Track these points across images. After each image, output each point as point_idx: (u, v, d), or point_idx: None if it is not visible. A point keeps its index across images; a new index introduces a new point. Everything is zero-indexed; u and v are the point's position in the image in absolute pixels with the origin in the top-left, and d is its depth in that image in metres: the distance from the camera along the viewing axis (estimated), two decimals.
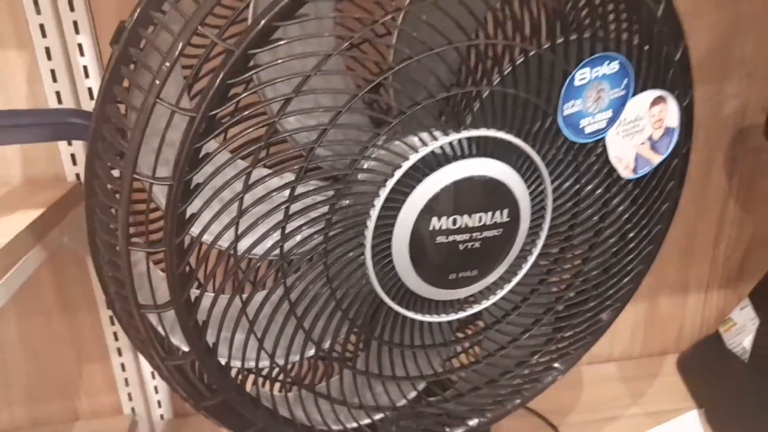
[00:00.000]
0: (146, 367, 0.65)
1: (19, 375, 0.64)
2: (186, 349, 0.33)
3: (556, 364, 0.47)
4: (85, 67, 0.54)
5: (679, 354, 0.74)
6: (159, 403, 0.67)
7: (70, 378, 0.66)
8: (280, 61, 0.29)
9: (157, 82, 0.27)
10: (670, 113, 0.39)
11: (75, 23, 0.52)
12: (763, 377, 0.63)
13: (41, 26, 0.52)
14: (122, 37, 0.30)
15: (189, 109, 0.27)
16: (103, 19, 0.54)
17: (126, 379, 0.65)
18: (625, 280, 0.45)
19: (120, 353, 0.63)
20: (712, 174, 0.68)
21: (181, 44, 0.27)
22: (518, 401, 0.48)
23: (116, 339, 0.63)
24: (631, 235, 0.43)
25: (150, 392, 0.66)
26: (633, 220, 0.43)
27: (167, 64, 0.27)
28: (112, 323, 0.62)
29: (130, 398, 0.65)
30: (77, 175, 0.58)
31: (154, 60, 0.28)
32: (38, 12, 0.52)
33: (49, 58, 0.53)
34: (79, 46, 0.53)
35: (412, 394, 0.44)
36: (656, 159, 0.40)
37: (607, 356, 0.75)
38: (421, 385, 0.45)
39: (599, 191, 0.41)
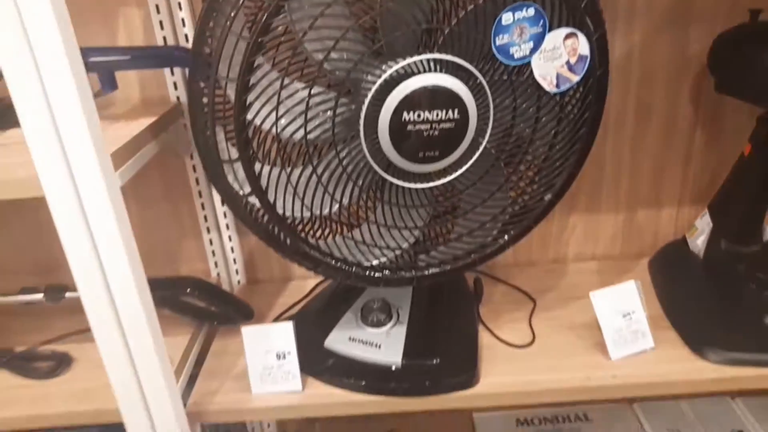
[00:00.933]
0: (227, 243, 0.88)
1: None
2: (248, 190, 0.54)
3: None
4: (182, 19, 0.76)
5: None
6: (236, 271, 0.90)
7: (173, 250, 0.90)
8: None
9: (228, 23, 0.47)
10: (582, 45, 0.55)
11: (179, 3, 0.74)
12: (711, 268, 0.77)
13: (156, 7, 0.74)
14: None
15: (246, 36, 0.47)
16: None
17: (213, 251, 0.89)
18: (562, 164, 0.61)
19: (209, 231, 0.87)
20: (680, 106, 0.81)
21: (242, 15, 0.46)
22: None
23: (206, 220, 0.86)
24: (562, 135, 0.59)
25: (230, 262, 0.90)
26: (562, 124, 0.59)
27: (233, 12, 0.46)
28: (203, 208, 0.85)
29: (216, 266, 0.89)
30: (177, 98, 0.80)
31: (227, 8, 0.48)
32: None
33: (158, 12, 0.75)
34: (179, 4, 0.75)
35: (411, 240, 0.64)
36: (574, 78, 0.56)
37: (591, 255, 0.91)
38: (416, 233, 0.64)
39: (533, 100, 0.57)
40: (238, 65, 0.48)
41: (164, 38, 0.76)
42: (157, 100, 0.81)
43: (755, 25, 0.70)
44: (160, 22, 0.75)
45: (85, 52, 0.56)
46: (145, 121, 0.68)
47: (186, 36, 0.76)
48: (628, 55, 0.79)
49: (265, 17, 0.46)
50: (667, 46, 0.78)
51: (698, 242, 0.80)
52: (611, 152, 0.84)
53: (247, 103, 0.50)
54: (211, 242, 0.88)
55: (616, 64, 0.79)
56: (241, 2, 0.47)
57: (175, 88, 0.79)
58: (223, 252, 0.89)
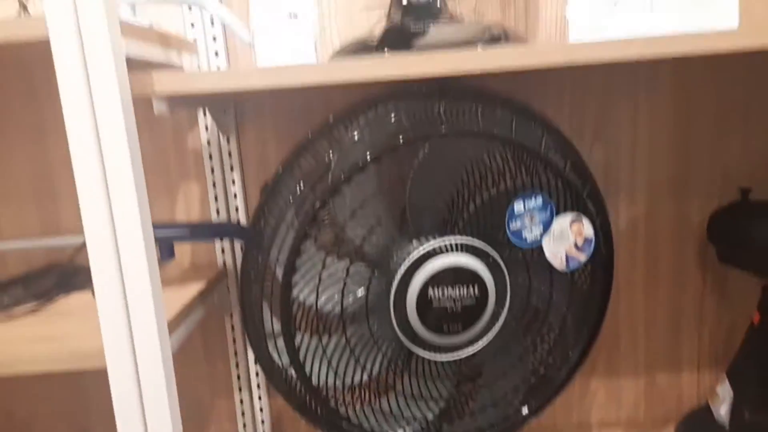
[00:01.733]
0: (257, 403, 0.91)
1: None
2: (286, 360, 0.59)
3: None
4: (234, 194, 0.86)
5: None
6: None
7: (204, 408, 0.93)
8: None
9: (280, 215, 0.55)
10: (586, 228, 0.62)
11: (233, 180, 0.85)
12: None
13: (213, 183, 0.85)
14: (265, 191, 0.59)
15: (295, 225, 0.55)
16: (251, 177, 0.86)
17: (243, 412, 0.91)
18: (575, 338, 0.65)
19: (240, 390, 0.90)
20: (687, 271, 0.87)
21: (292, 209, 0.55)
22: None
23: (239, 379, 0.90)
24: (572, 310, 0.64)
25: (258, 423, 0.92)
26: (573, 299, 0.64)
27: (285, 216, 0.55)
28: (237, 367, 0.90)
29: (244, 427, 0.91)
30: (224, 262, 0.88)
31: (280, 204, 0.57)
32: (212, 171, 0.85)
33: (213, 187, 0.86)
34: (233, 180, 0.86)
35: (436, 411, 0.66)
36: (582, 257, 0.63)
37: (615, 420, 0.91)
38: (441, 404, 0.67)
39: (545, 277, 0.63)
40: (287, 249, 0.56)
41: (217, 210, 0.86)
42: (205, 264, 0.89)
43: (746, 203, 0.77)
44: (215, 196, 0.86)
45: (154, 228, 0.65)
46: (196, 287, 0.75)
47: (237, 208, 0.86)
48: (633, 222, 0.86)
49: (313, 212, 0.55)
50: (669, 215, 0.86)
51: (722, 412, 0.80)
52: (625, 315, 0.88)
53: (293, 282, 0.57)
54: (241, 402, 0.91)
55: (622, 230, 0.86)
56: (293, 198, 0.56)
57: (222, 252, 0.88)
58: (252, 413, 0.91)
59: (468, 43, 0.57)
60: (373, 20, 0.79)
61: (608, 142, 0.83)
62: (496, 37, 0.57)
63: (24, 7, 0.63)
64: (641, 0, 0.57)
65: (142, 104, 0.55)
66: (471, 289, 0.60)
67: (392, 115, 0.59)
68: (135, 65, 0.55)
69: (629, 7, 0.57)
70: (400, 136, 0.56)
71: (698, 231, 0.86)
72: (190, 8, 0.76)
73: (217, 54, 0.81)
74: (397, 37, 0.58)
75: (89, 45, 0.49)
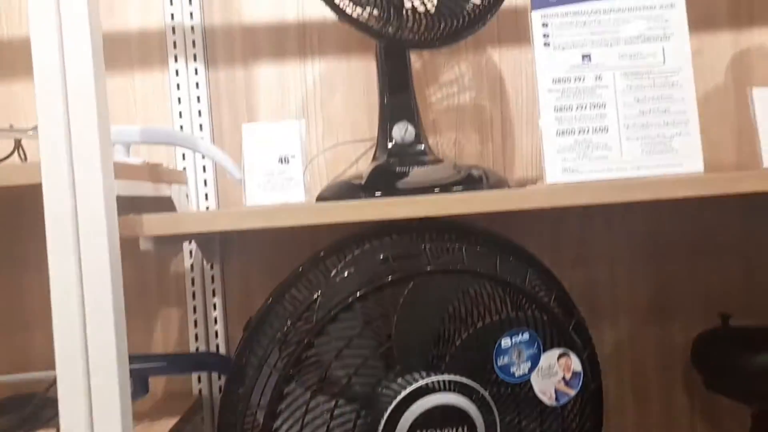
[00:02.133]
0: None
1: None
2: None
3: None
4: (215, 318, 0.85)
5: None
6: None
7: None
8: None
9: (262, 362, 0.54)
10: (574, 362, 0.62)
11: (214, 305, 0.84)
12: None
13: (194, 307, 0.84)
14: (248, 327, 0.59)
15: (279, 368, 0.54)
16: (233, 302, 0.85)
17: None
18: None
19: None
20: (675, 396, 0.86)
21: (276, 349, 0.54)
22: None
23: None
24: None
25: None
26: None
27: (268, 356, 0.54)
28: None
29: None
30: (200, 390, 0.85)
31: (264, 343, 0.56)
32: (193, 296, 0.84)
33: (194, 312, 0.84)
34: (214, 305, 0.84)
35: None
36: (571, 392, 0.62)
37: None
38: None
39: (535, 414, 0.62)
40: (269, 393, 0.54)
41: (196, 335, 0.84)
42: (179, 392, 0.85)
43: (727, 329, 0.78)
44: (195, 321, 0.84)
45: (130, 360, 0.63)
46: (169, 422, 0.72)
47: (216, 333, 0.84)
48: (617, 346, 0.86)
49: (297, 353, 0.54)
50: (652, 338, 0.86)
51: None
52: None
53: (274, 427, 0.55)
54: None
55: (607, 354, 0.85)
56: (277, 337, 0.55)
57: (198, 380, 0.85)
58: None
59: (450, 184, 0.59)
60: (359, 152, 0.82)
61: (588, 265, 0.85)
62: (477, 179, 0.60)
63: (19, 145, 0.65)
64: (612, 145, 0.61)
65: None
66: (460, 429, 0.58)
67: (378, 251, 0.60)
68: (123, 201, 0.56)
69: (601, 152, 0.60)
70: (387, 275, 0.56)
71: (683, 355, 0.86)
72: (183, 156, 0.78)
73: (206, 183, 0.83)
74: (383, 178, 0.61)
75: (82, 195, 0.50)
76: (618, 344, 0.86)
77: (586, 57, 0.61)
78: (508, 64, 0.83)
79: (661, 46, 0.61)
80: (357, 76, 0.82)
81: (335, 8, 0.60)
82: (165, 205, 0.76)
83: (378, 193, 0.57)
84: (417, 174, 0.60)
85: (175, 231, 0.55)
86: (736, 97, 0.84)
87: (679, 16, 0.62)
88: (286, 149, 0.56)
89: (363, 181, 0.59)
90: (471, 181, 0.59)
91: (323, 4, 0.60)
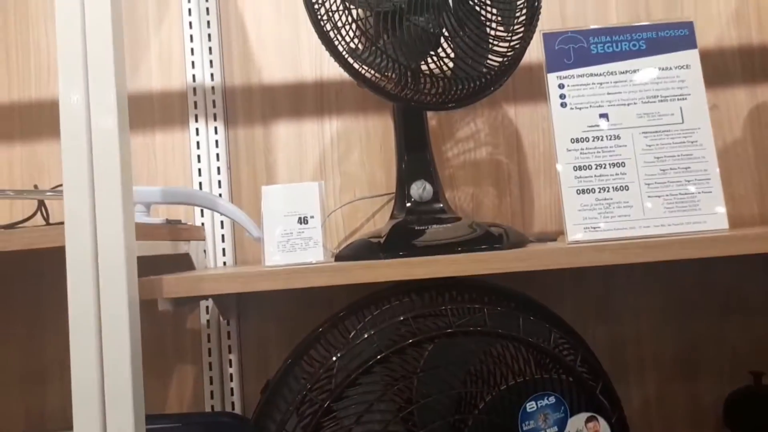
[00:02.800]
0: None
1: None
2: None
3: None
4: (231, 389, 0.83)
5: None
6: None
7: None
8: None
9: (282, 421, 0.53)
10: (603, 426, 0.60)
11: (230, 361, 0.83)
12: None
13: (209, 364, 0.83)
14: (267, 390, 0.57)
15: None
16: (249, 360, 0.84)
17: None
18: None
19: None
20: None
21: (295, 415, 0.53)
22: None
23: None
24: None
25: None
26: None
27: (287, 422, 0.53)
28: None
29: None
30: None
31: (282, 408, 0.55)
32: (209, 353, 0.83)
33: (210, 369, 0.83)
34: (230, 361, 0.83)
35: None
36: None
37: None
38: None
39: None
40: None
41: (212, 393, 0.83)
42: None
43: (760, 388, 0.75)
44: (210, 378, 0.83)
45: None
46: None
47: (232, 390, 0.83)
48: (645, 405, 0.83)
49: (316, 419, 0.53)
50: (681, 397, 0.83)
51: None
52: None
53: None
54: None
55: (636, 413, 0.82)
56: (298, 400, 0.54)
57: None
58: None
59: (470, 242, 0.59)
60: (376, 207, 0.83)
61: (611, 321, 0.83)
62: (497, 237, 0.59)
63: (43, 205, 0.66)
64: (633, 202, 0.60)
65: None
66: None
67: (397, 311, 0.59)
68: (143, 260, 0.56)
69: (622, 210, 0.60)
70: (407, 337, 0.55)
71: (712, 413, 0.83)
72: (202, 212, 0.79)
73: (223, 238, 0.83)
74: (402, 237, 0.60)
75: (103, 258, 0.51)
76: (646, 403, 0.83)
77: (604, 116, 0.61)
78: (523, 119, 0.84)
79: (679, 105, 0.62)
80: (373, 133, 0.84)
81: (354, 73, 0.61)
82: (183, 261, 0.76)
83: (399, 252, 0.56)
84: (436, 233, 0.60)
85: (195, 293, 0.54)
86: (755, 150, 0.83)
87: (695, 76, 0.62)
88: (304, 209, 0.57)
89: (382, 240, 0.59)
90: (490, 240, 0.58)
91: (341, 68, 0.61)
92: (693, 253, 0.55)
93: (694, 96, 0.62)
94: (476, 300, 0.61)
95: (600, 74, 0.61)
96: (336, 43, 0.59)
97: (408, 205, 0.64)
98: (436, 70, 0.65)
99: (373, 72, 0.64)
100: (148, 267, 0.58)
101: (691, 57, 0.62)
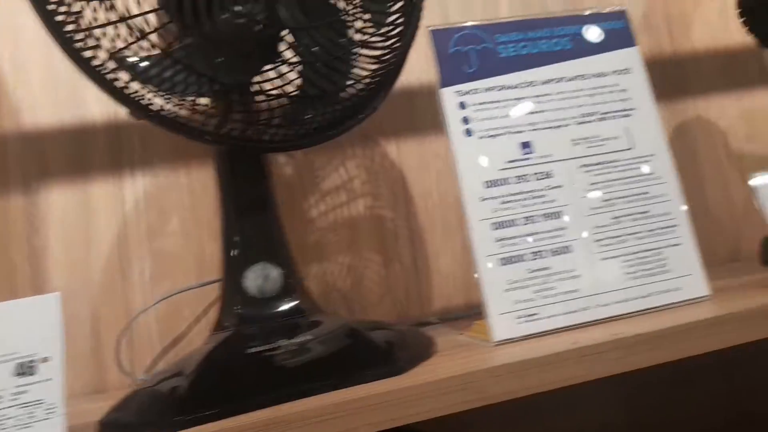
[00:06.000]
0: None
1: None
2: None
3: None
4: None
5: None
6: None
7: None
8: None
9: None
10: None
11: None
12: None
13: None
14: None
15: None
16: None
17: None
18: None
19: None
20: None
21: None
22: None
23: None
24: None
25: None
26: None
27: None
28: None
29: None
30: None
31: None
32: None
33: None
34: None
35: None
36: None
37: None
38: None
39: None
40: None
41: None
42: None
43: None
44: None
45: None
46: None
47: None
48: None
49: None
50: None
51: None
52: None
53: None
54: None
55: None
56: None
57: None
58: None
59: (341, 370, 0.35)
60: (209, 298, 0.57)
61: None
62: (383, 352, 0.36)
63: None
64: (582, 271, 0.40)
65: None
66: None
67: None
68: None
69: (567, 284, 0.39)
70: None
71: None
72: None
73: None
74: (220, 375, 0.35)
75: None
76: None
77: (526, 146, 0.41)
78: (410, 159, 0.63)
79: (623, 125, 0.43)
80: (201, 191, 0.58)
81: (127, 100, 0.36)
82: None
83: (213, 408, 0.31)
84: (283, 358, 0.35)
85: None
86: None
87: (639, 82, 0.44)
88: (28, 347, 0.30)
89: (183, 389, 0.33)
90: (372, 360, 0.35)
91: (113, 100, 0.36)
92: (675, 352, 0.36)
93: (640, 111, 0.44)
94: None
95: (515, 86, 0.42)
96: (79, 46, 0.34)
97: (238, 309, 0.39)
98: (275, 90, 0.43)
99: (171, 97, 0.40)
100: None
101: (630, 57, 0.44)
